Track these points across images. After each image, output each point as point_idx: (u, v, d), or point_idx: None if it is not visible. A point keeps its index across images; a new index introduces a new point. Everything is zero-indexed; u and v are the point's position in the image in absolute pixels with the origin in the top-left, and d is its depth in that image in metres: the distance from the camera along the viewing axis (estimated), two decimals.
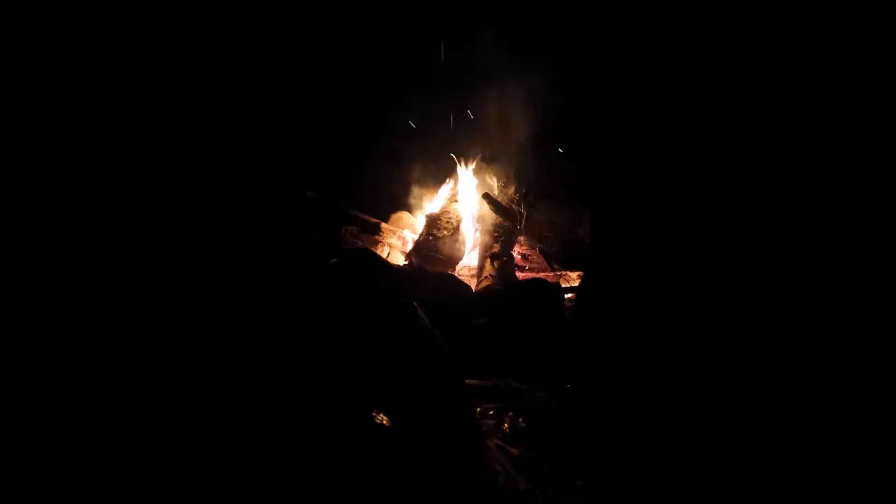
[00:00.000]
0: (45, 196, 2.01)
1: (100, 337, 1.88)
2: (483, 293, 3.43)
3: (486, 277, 4.01)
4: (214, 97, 2.47)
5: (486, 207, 4.70)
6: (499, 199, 4.77)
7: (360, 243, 4.55)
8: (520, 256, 4.78)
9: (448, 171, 5.13)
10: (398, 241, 4.77)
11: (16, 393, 1.69)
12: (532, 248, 4.91)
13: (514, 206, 4.91)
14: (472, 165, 5.10)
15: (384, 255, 4.49)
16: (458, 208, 4.68)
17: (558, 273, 4.44)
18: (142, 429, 1.66)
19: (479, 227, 4.74)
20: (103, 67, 2.16)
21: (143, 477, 1.56)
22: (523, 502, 1.76)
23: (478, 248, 4.61)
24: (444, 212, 4.59)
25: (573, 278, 4.31)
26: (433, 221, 4.50)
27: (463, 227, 4.58)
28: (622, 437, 1.87)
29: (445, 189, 5.08)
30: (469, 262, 4.63)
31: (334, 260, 2.92)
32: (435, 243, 4.37)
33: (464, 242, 4.58)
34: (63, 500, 1.52)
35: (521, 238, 4.98)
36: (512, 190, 5.07)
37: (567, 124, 4.83)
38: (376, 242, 4.67)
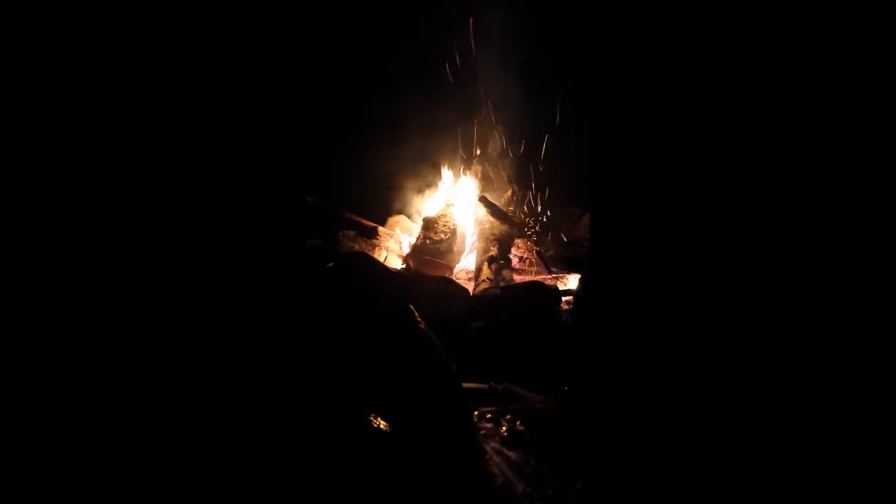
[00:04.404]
0: (47, 199, 2.01)
1: (100, 338, 1.88)
2: (480, 296, 3.43)
3: (483, 280, 4.01)
4: (213, 100, 2.47)
5: (483, 210, 4.71)
6: (496, 202, 4.78)
7: (357, 247, 4.55)
8: (517, 259, 4.78)
9: (445, 175, 5.14)
10: (395, 244, 4.77)
11: (17, 392, 1.68)
12: (529, 251, 4.91)
13: (510, 209, 4.92)
14: (469, 169, 5.11)
15: (381, 259, 4.48)
16: (455, 212, 4.69)
17: (556, 276, 4.44)
18: (142, 432, 1.65)
19: (477, 231, 4.74)
20: (103, 68, 2.16)
21: (142, 478, 1.56)
22: None
23: (475, 251, 4.61)
24: (440, 215, 4.59)
25: (571, 281, 4.31)
26: (430, 225, 4.50)
27: (460, 230, 4.58)
28: (620, 440, 1.87)
29: (442, 192, 5.09)
30: (466, 265, 4.63)
31: (331, 264, 2.92)
32: (432, 247, 4.36)
33: (461, 246, 4.58)
34: (63, 500, 1.51)
35: (519, 241, 4.98)
36: (509, 193, 5.08)
37: (565, 125, 4.85)
38: (373, 246, 4.67)
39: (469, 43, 4.92)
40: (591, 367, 2.08)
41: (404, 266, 4.44)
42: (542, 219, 5.08)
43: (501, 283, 3.87)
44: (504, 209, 4.82)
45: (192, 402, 1.75)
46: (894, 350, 1.51)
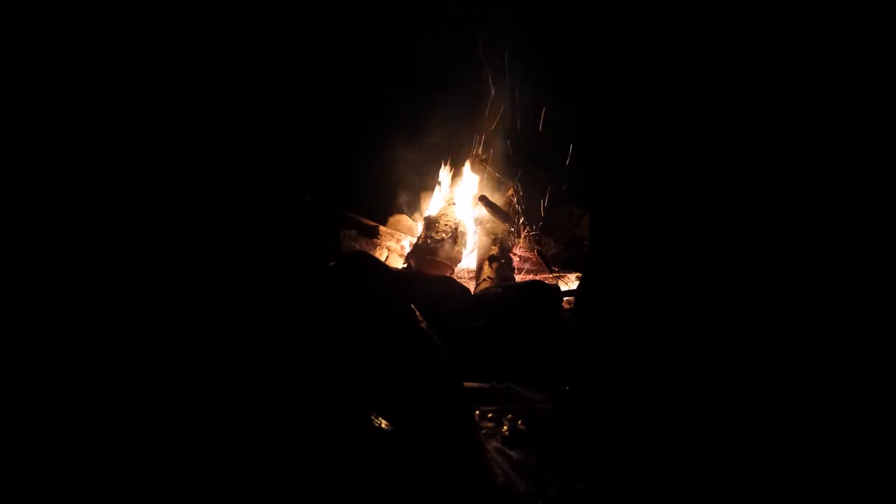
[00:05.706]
0: (47, 199, 2.01)
1: (101, 339, 1.88)
2: (481, 295, 3.42)
3: (484, 280, 4.01)
4: (214, 101, 2.47)
5: (483, 210, 4.71)
6: (496, 202, 4.78)
7: (358, 246, 4.55)
8: (518, 258, 4.78)
9: (446, 174, 5.14)
10: (396, 244, 4.77)
11: (16, 393, 1.69)
12: (530, 250, 4.91)
13: (511, 209, 4.92)
14: (471, 168, 5.11)
15: (382, 258, 4.48)
16: (456, 211, 4.68)
17: (557, 275, 4.44)
18: (142, 431, 1.65)
19: (478, 230, 4.74)
20: (104, 69, 2.16)
21: (142, 478, 1.56)
22: None
23: (476, 250, 4.61)
24: (442, 215, 4.59)
25: (572, 280, 4.31)
26: (431, 224, 4.50)
27: (461, 229, 4.59)
28: (622, 440, 1.87)
29: (443, 192, 5.09)
30: (467, 264, 4.64)
31: (332, 263, 2.92)
32: (433, 246, 4.36)
33: (462, 245, 4.59)
34: (63, 500, 1.51)
35: (520, 240, 4.98)
36: (510, 192, 5.08)
37: (566, 126, 4.85)
38: (374, 245, 4.67)
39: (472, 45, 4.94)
40: (592, 366, 2.08)
41: (406, 265, 4.44)
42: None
43: (502, 283, 3.87)
44: (504, 209, 4.82)
45: (192, 401, 1.75)
46: (894, 350, 1.51)
